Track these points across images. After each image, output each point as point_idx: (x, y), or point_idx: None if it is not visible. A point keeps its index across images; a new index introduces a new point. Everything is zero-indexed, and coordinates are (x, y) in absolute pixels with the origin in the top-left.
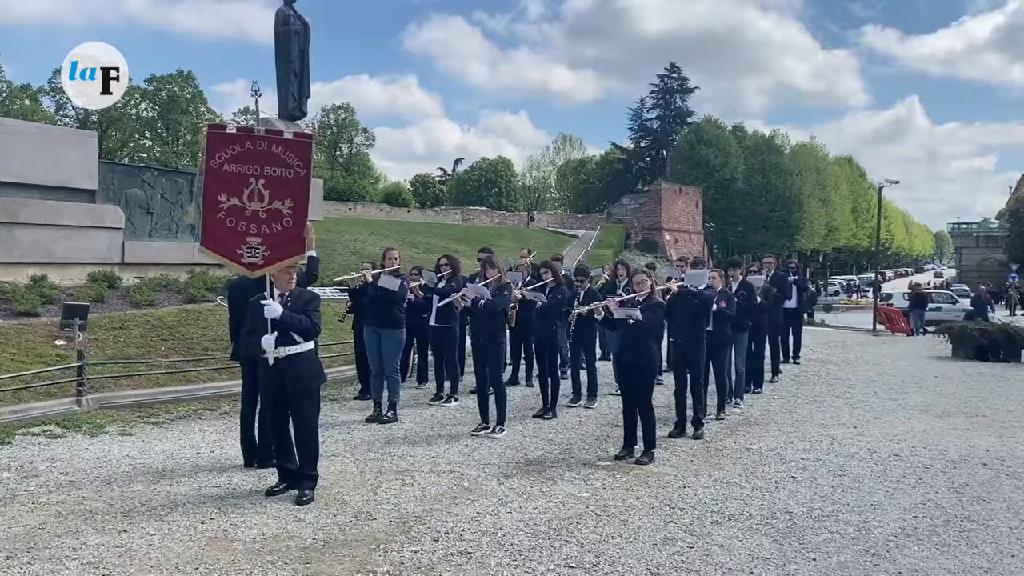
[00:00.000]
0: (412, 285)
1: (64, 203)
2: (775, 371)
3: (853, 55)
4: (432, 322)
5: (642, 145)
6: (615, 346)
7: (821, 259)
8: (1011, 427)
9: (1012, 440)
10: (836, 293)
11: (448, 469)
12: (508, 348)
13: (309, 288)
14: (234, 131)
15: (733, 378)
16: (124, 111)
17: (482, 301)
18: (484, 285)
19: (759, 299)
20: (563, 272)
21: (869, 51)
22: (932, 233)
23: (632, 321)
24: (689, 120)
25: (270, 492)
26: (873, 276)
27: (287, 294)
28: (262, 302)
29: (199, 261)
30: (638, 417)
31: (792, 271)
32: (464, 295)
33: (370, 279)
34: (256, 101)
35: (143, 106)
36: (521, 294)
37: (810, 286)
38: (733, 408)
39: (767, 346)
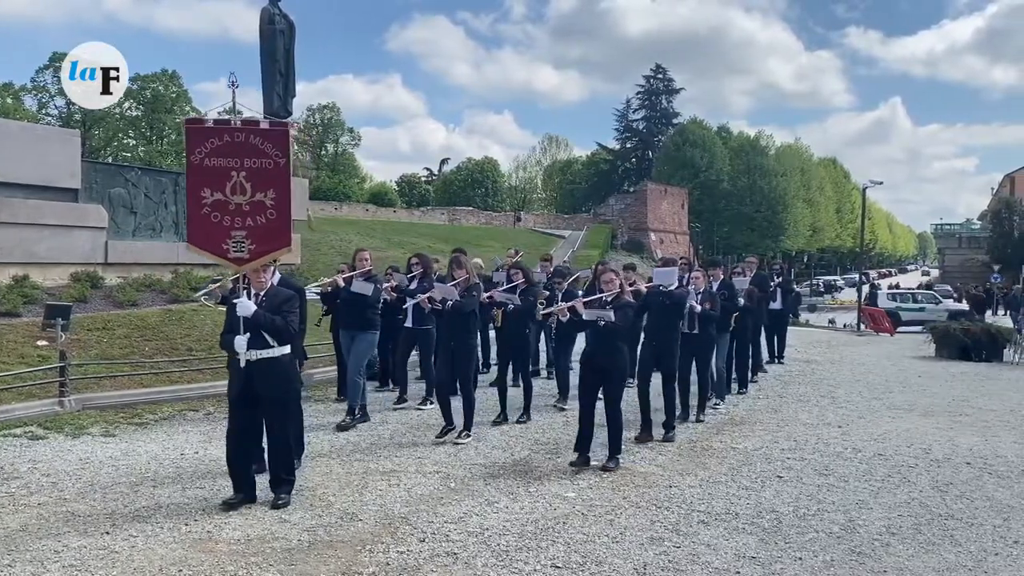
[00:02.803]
0: (385, 286)
1: (47, 202)
2: (756, 370)
3: (836, 56)
4: (408, 323)
5: (628, 146)
6: (586, 348)
7: (806, 260)
8: (994, 426)
9: (995, 439)
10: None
11: (434, 469)
12: (491, 349)
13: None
14: (211, 124)
15: (713, 379)
16: (108, 110)
17: (449, 302)
18: (452, 286)
19: (743, 301)
20: (547, 271)
21: (852, 52)
22: (915, 234)
23: (603, 323)
24: (675, 121)
25: (226, 504)
26: (857, 276)
27: (262, 293)
28: (234, 299)
29: (183, 261)
30: (595, 423)
31: (777, 272)
32: (430, 296)
33: (341, 284)
34: (233, 93)
35: (127, 105)
36: (491, 296)
37: (795, 287)
38: (711, 408)
39: (750, 347)
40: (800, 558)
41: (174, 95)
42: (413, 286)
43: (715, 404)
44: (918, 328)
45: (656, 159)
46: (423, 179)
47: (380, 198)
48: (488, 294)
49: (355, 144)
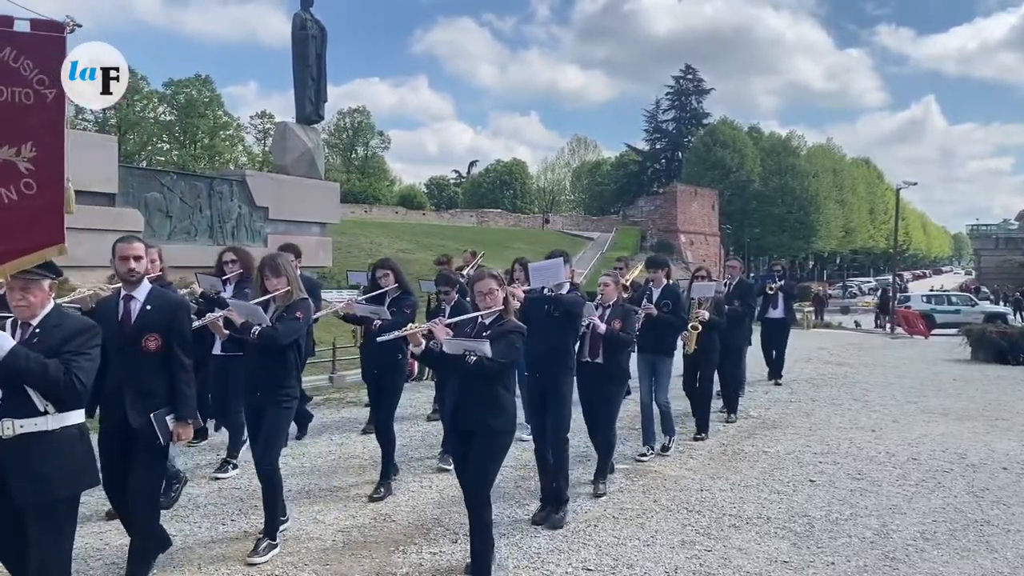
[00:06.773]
0: (184, 291)
1: (84, 206)
2: (731, 408)
3: (867, 54)
4: (217, 350)
5: (657, 147)
6: (451, 398)
7: (838, 261)
8: None
9: None
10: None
11: None
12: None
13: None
14: None
15: (658, 413)
16: (142, 115)
17: (256, 328)
18: (259, 304)
19: (708, 314)
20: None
21: (883, 50)
22: (950, 235)
23: (474, 359)
24: (705, 122)
25: None
26: (891, 278)
27: (33, 323)
28: None
29: None
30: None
31: (778, 275)
32: (226, 315)
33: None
34: None
35: (161, 110)
36: (348, 306)
37: (823, 291)
38: (661, 451)
39: (716, 374)
40: (833, 563)
41: (207, 99)
42: (227, 293)
43: (667, 443)
44: (953, 331)
45: (686, 160)
46: (452, 181)
47: (409, 200)
48: (342, 302)
49: (385, 147)
